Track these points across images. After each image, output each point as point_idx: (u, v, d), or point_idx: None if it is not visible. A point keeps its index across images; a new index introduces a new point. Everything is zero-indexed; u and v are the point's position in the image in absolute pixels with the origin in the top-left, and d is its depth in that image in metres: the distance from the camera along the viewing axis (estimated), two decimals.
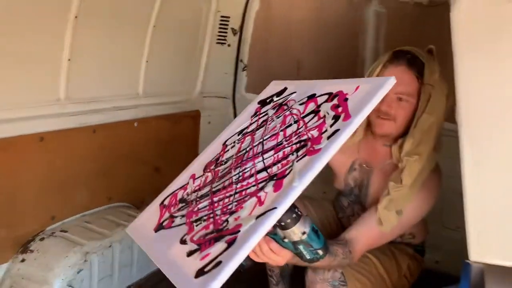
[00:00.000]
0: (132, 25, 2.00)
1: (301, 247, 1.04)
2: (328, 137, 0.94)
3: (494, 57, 0.89)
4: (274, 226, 1.00)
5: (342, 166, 1.53)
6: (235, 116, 2.58)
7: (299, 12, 2.45)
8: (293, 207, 0.98)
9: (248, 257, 0.95)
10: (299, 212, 1.00)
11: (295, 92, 1.27)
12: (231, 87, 2.63)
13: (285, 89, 1.33)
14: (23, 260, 1.68)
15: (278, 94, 1.34)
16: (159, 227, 1.15)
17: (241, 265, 0.90)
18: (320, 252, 1.06)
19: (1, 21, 1.48)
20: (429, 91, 1.30)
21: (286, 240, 1.03)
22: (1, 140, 1.57)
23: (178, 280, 0.89)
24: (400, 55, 1.34)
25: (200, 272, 0.86)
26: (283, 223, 0.99)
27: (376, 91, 0.96)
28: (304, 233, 1.01)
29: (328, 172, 1.39)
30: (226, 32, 2.53)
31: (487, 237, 0.93)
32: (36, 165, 1.72)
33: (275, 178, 0.97)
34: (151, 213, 1.24)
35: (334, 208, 1.67)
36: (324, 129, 0.99)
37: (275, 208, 0.87)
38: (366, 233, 1.31)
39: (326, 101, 1.11)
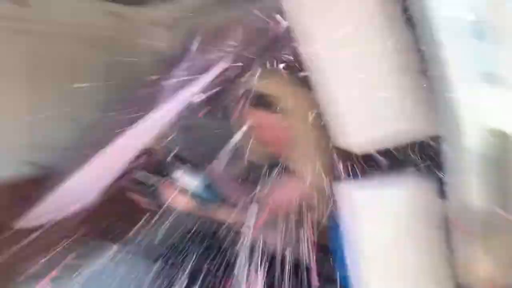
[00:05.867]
0: None
1: (193, 197, 1.26)
2: None
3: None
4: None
5: None
6: None
7: None
8: (188, 162, 1.23)
9: None
10: (191, 167, 1.22)
11: None
12: None
13: None
14: None
15: None
16: None
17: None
18: (211, 205, 1.28)
19: None
20: (288, 115, 1.48)
21: (185, 190, 1.24)
22: None
23: None
24: (252, 100, 1.53)
25: None
26: (182, 170, 1.21)
27: None
28: (194, 185, 1.23)
29: None
30: None
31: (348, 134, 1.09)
32: None
33: None
34: None
35: None
36: None
37: None
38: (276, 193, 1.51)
39: None
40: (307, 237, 1.54)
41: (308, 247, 1.53)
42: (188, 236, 1.67)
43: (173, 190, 1.26)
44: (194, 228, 1.64)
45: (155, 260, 1.77)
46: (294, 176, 1.54)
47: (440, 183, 0.99)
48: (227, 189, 1.50)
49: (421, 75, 1.02)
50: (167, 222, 1.50)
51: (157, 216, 1.51)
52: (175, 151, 1.29)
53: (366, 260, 1.04)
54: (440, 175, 0.98)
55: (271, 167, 1.60)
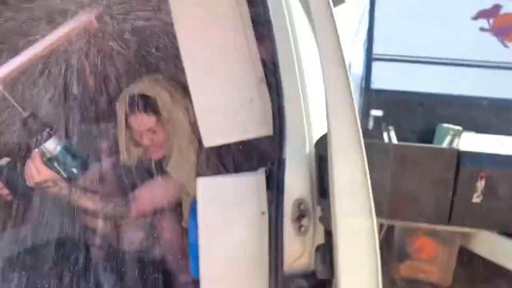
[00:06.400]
0: None
1: (56, 164, 1.24)
2: None
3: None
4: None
5: None
6: None
7: None
8: (47, 127, 1.21)
9: None
10: (51, 132, 1.20)
11: None
12: None
13: None
14: None
15: None
16: None
17: None
18: (75, 170, 1.26)
19: None
20: (168, 119, 1.54)
21: (47, 157, 1.22)
22: None
23: None
24: (133, 103, 1.54)
25: None
26: (39, 141, 1.19)
27: None
28: (55, 149, 1.21)
29: None
30: None
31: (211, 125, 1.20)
32: None
33: None
34: None
35: None
36: None
37: None
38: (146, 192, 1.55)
39: None
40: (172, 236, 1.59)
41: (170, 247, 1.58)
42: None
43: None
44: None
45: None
46: (168, 178, 1.59)
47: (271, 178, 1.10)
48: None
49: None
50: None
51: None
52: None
53: (204, 253, 1.11)
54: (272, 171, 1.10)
55: (145, 169, 1.65)
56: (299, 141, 1.07)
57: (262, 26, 1.15)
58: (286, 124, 1.08)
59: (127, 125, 1.61)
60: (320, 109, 1.10)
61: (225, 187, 1.18)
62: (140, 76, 1.63)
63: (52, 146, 1.21)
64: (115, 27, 1.41)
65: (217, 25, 1.19)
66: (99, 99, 1.73)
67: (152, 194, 1.56)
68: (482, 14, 3.62)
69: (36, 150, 1.21)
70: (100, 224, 1.57)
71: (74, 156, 1.25)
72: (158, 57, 1.57)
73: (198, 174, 1.53)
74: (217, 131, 1.20)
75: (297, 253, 1.04)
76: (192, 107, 1.51)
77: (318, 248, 1.01)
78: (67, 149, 1.23)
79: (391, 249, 2.69)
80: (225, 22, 1.18)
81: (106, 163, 1.68)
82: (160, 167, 1.62)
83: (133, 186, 1.68)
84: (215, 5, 1.17)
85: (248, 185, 1.14)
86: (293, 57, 1.10)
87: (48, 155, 1.22)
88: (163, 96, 1.55)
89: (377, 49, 3.48)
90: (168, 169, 1.58)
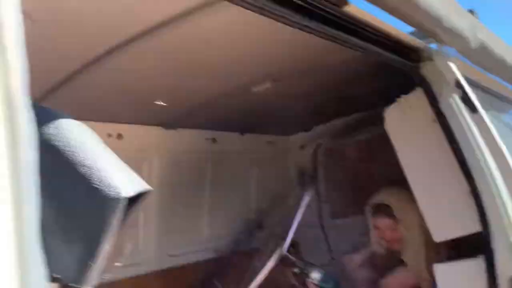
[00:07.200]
0: None
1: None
2: None
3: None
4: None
5: None
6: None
7: None
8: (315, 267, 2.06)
9: None
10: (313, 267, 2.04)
11: None
12: None
13: None
14: None
15: None
16: None
17: None
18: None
19: None
20: (400, 220, 2.15)
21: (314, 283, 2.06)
22: None
23: None
24: (375, 210, 2.26)
25: None
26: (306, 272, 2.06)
27: None
28: (316, 277, 2.04)
29: None
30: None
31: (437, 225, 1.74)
32: None
33: None
34: None
35: None
36: None
37: None
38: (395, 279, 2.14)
39: None
40: None
41: None
42: None
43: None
44: None
45: None
46: (406, 267, 2.14)
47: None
48: (353, 273, 2.20)
49: None
50: None
51: None
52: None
53: None
54: None
55: (389, 257, 2.24)
56: (504, 235, 1.51)
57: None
58: (491, 223, 1.53)
59: (374, 224, 2.27)
60: None
61: (456, 270, 1.66)
62: (380, 189, 2.30)
63: (315, 275, 2.07)
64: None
65: (432, 157, 1.77)
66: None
67: (398, 281, 2.13)
68: None
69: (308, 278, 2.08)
70: None
71: (330, 280, 2.08)
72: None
73: (428, 261, 2.04)
74: (443, 230, 1.72)
75: None
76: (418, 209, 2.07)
77: None
78: (325, 277, 2.08)
79: None
80: (436, 150, 1.74)
81: (365, 252, 2.36)
82: (400, 257, 2.20)
83: (381, 271, 2.30)
84: (430, 146, 1.77)
85: (475, 268, 1.58)
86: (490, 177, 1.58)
87: (315, 282, 2.07)
88: (396, 204, 2.18)
89: None
90: (405, 258, 2.13)
